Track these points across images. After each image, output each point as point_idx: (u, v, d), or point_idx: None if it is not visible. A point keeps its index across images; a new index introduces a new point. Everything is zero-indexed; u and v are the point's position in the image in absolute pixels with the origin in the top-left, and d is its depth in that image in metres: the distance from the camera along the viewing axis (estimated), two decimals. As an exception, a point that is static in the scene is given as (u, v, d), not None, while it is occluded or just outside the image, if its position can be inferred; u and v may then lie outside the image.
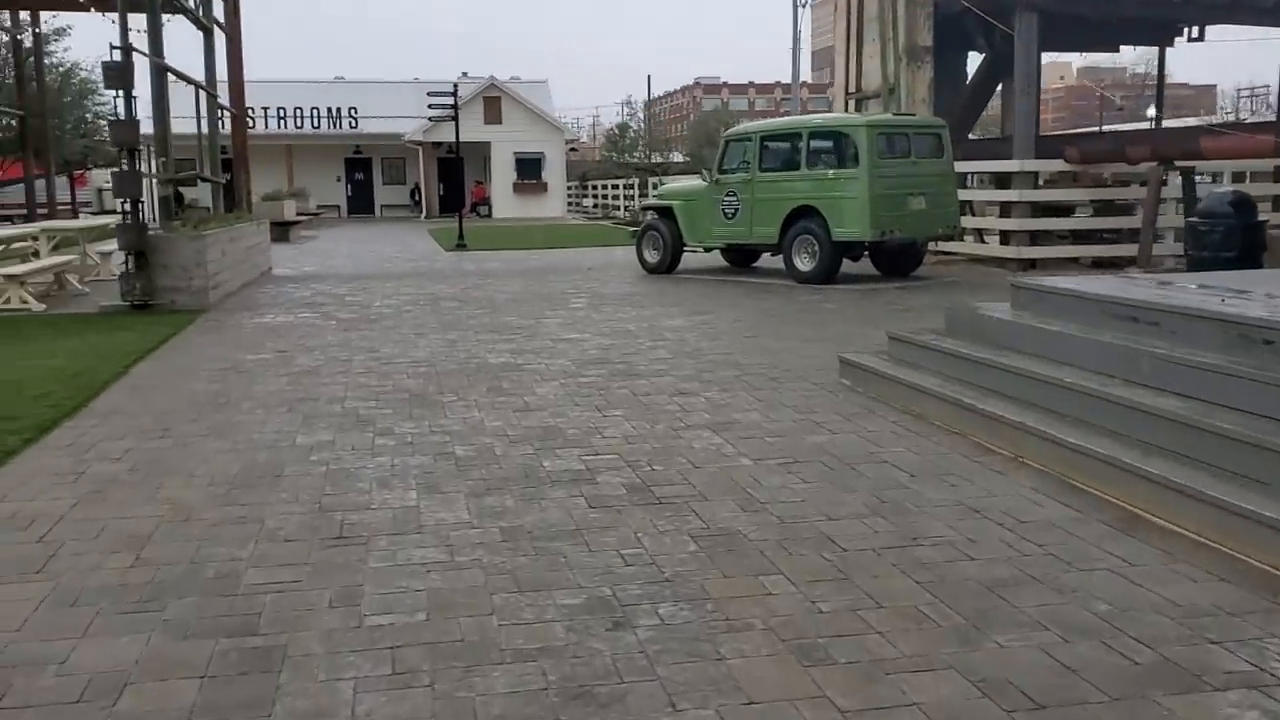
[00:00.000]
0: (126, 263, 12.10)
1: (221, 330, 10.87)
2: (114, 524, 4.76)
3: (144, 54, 12.37)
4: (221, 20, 18.38)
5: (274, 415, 6.97)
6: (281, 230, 26.85)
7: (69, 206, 37.03)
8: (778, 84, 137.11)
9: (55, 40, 29.61)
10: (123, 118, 11.84)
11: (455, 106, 24.08)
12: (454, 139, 40.33)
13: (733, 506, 4.92)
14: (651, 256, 16.33)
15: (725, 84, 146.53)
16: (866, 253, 14.62)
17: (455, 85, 24.09)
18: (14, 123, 24.13)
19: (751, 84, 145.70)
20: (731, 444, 6.07)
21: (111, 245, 14.87)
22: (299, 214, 32.26)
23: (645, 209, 17.41)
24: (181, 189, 38.46)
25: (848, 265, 14.48)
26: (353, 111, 43.74)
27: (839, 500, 5.01)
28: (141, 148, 12.15)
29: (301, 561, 4.29)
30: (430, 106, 25.06)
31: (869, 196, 13.44)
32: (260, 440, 6.29)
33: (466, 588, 4.00)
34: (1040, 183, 15.69)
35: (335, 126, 43.90)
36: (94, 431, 6.53)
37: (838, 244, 13.82)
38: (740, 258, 16.48)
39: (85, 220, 17.24)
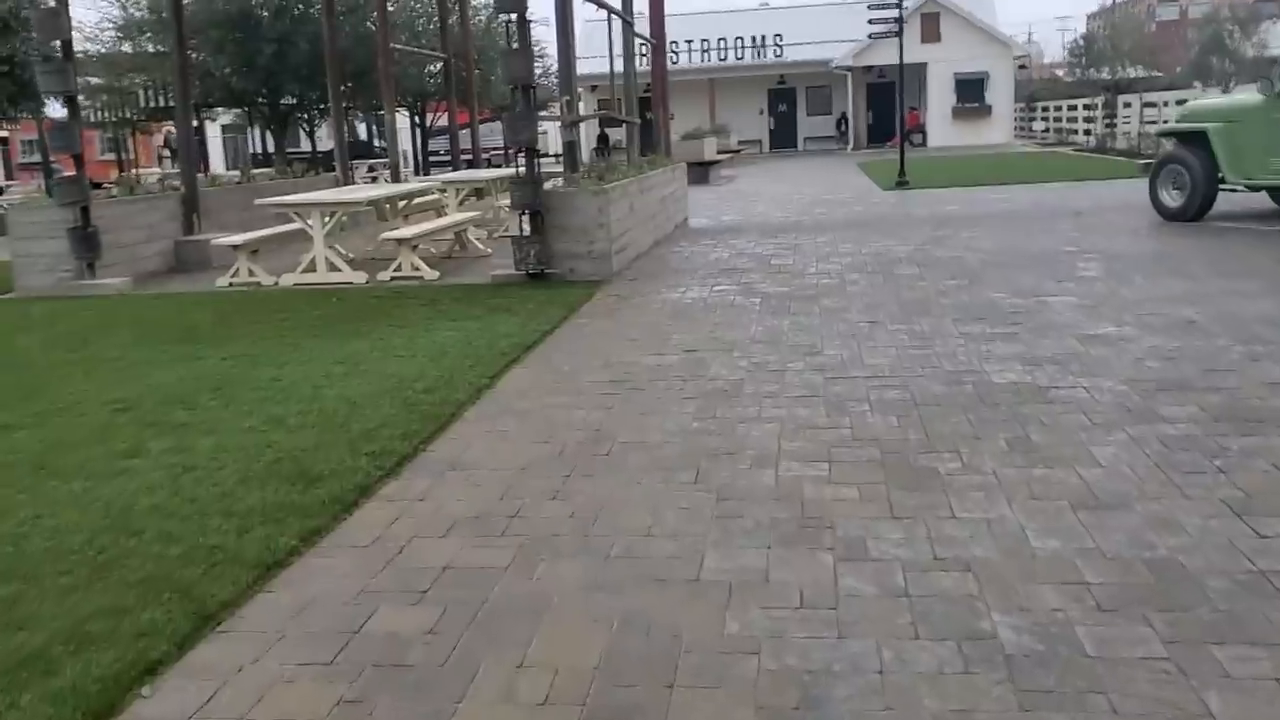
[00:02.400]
0: (520, 224, 10.20)
1: (620, 312, 8.59)
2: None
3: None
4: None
5: (671, 489, 4.42)
6: (701, 171, 24.91)
7: (503, 153, 37.61)
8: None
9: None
10: (515, 46, 9.84)
11: (900, 20, 20.67)
12: (889, 60, 36.73)
13: None
14: (1172, 198, 12.31)
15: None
16: None
17: (899, -4, 20.67)
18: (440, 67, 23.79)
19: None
20: None
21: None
22: (720, 152, 30.31)
23: (1164, 135, 13.28)
24: (607, 130, 37.89)
25: None
26: (778, 39, 41.16)
27: None
28: (539, 84, 10.11)
29: None
30: (870, 23, 21.84)
31: None
32: (644, 559, 3.73)
33: None
34: None
35: (759, 56, 41.55)
36: (412, 514, 4.28)
37: None
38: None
39: (495, 170, 16.07)
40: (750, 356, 6.78)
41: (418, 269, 10.80)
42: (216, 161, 50.50)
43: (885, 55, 37.57)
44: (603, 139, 42.21)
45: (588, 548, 3.87)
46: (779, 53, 41.43)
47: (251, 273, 10.87)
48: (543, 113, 38.63)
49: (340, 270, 10.77)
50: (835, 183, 23.16)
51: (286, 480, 4.67)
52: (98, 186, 19.34)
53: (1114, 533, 3.75)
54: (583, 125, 37.53)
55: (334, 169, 21.84)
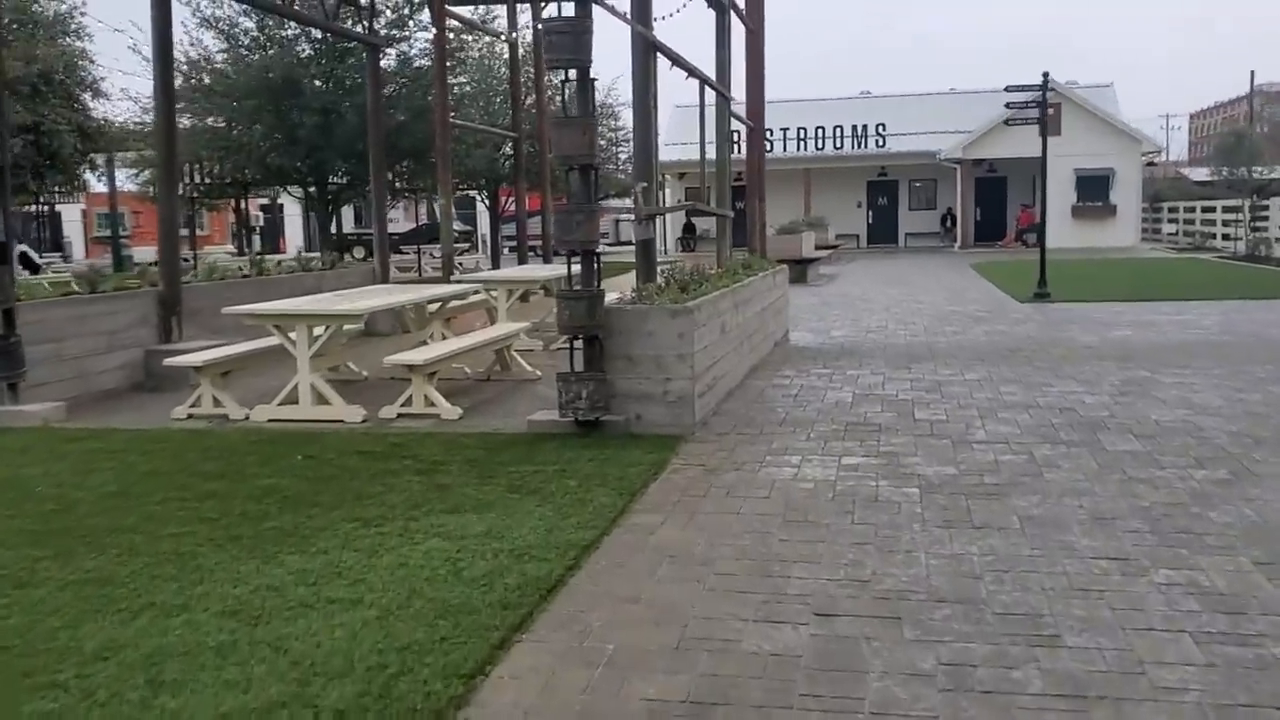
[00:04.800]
0: (570, 352, 7.40)
1: (704, 505, 5.66)
2: None
3: (613, 11, 7.66)
4: (741, 6, 13.70)
5: None
6: (798, 269, 22.07)
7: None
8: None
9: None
10: (571, 113, 7.13)
11: (1043, 105, 17.76)
12: (1003, 154, 33.89)
13: None
14: None
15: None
16: None
17: (1045, 76, 17.75)
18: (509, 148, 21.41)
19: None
20: None
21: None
22: (817, 247, 27.50)
23: None
24: (694, 220, 35.21)
25: None
26: (880, 129, 38.43)
27: None
28: (601, 166, 7.36)
29: None
30: (1008, 106, 18.98)
31: None
32: None
33: None
34: None
35: (859, 146, 38.81)
36: None
37: None
38: None
39: (554, 267, 13.22)
40: (934, 642, 3.82)
41: (433, 405, 8.06)
42: (295, 241, 49.18)
43: (998, 148, 34.74)
44: (689, 229, 39.77)
45: None
46: (881, 143, 38.68)
47: (217, 402, 8.23)
48: (612, 202, 35.95)
49: (330, 404, 8.06)
50: (955, 289, 20.12)
51: None
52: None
53: None
54: (667, 215, 35.21)
55: (402, 252, 19.29)
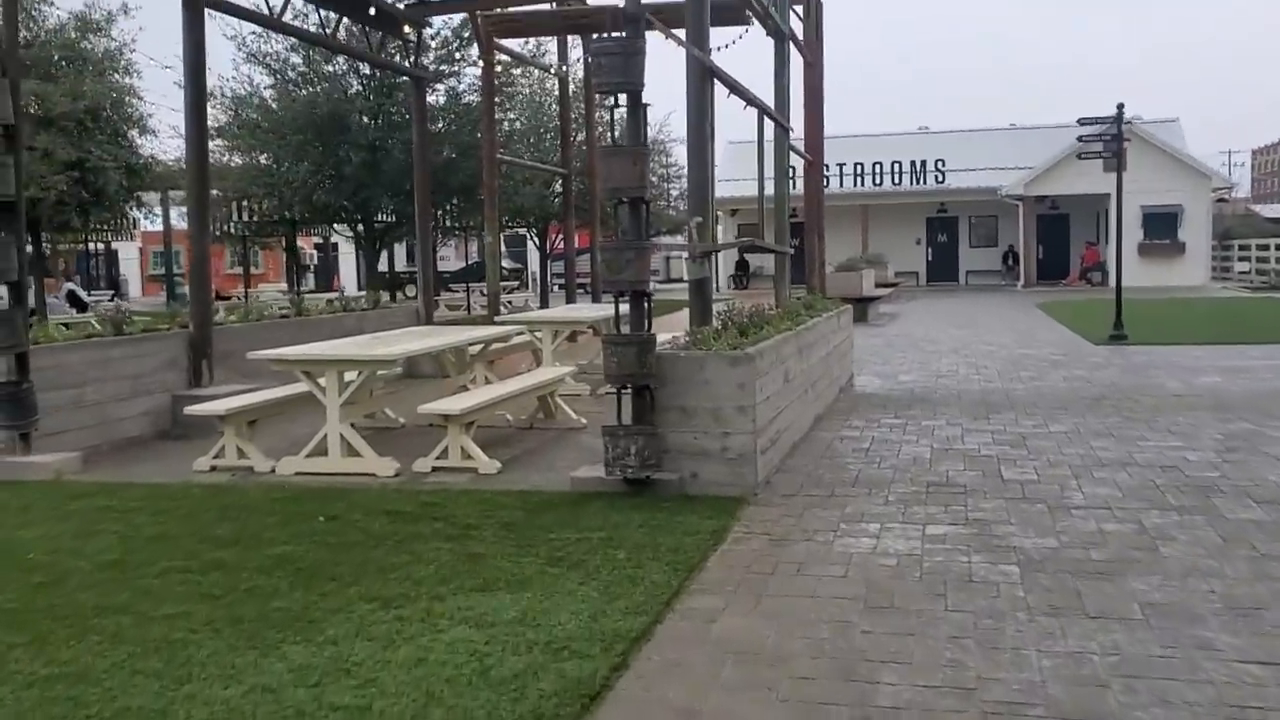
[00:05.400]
0: (619, 403, 6.75)
1: (770, 586, 4.94)
2: None
3: (669, 34, 7.06)
4: (799, 36, 13.12)
5: None
6: (859, 308, 21.29)
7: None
8: None
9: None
10: (621, 142, 6.53)
11: (1118, 138, 16.95)
12: (1066, 190, 32.94)
13: None
14: None
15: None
16: None
17: (1120, 107, 16.96)
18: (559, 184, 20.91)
19: None
20: None
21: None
22: (877, 285, 26.72)
23: None
24: (747, 256, 34.33)
25: None
26: (939, 164, 37.60)
27: None
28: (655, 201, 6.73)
29: None
30: (1080, 139, 18.16)
31: None
32: None
33: None
34: None
35: (918, 182, 38.01)
36: None
37: None
38: None
39: (602, 307, 12.47)
40: (1064, 779, 3.08)
41: (470, 457, 7.43)
42: (349, 279, 49.04)
43: (1061, 184, 33.78)
44: (742, 265, 39.06)
45: None
46: (940, 179, 37.84)
47: (242, 453, 7.67)
48: (664, 239, 35.19)
49: (361, 455, 7.47)
50: (1024, 330, 19.21)
51: None
52: (224, 299, 16.49)
53: None
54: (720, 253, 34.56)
55: (453, 290, 18.64)
